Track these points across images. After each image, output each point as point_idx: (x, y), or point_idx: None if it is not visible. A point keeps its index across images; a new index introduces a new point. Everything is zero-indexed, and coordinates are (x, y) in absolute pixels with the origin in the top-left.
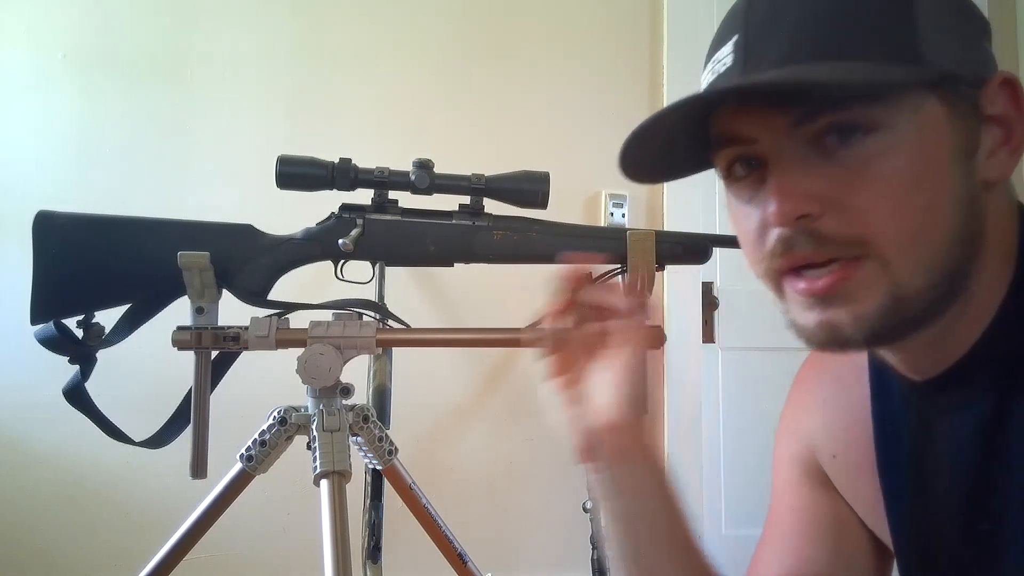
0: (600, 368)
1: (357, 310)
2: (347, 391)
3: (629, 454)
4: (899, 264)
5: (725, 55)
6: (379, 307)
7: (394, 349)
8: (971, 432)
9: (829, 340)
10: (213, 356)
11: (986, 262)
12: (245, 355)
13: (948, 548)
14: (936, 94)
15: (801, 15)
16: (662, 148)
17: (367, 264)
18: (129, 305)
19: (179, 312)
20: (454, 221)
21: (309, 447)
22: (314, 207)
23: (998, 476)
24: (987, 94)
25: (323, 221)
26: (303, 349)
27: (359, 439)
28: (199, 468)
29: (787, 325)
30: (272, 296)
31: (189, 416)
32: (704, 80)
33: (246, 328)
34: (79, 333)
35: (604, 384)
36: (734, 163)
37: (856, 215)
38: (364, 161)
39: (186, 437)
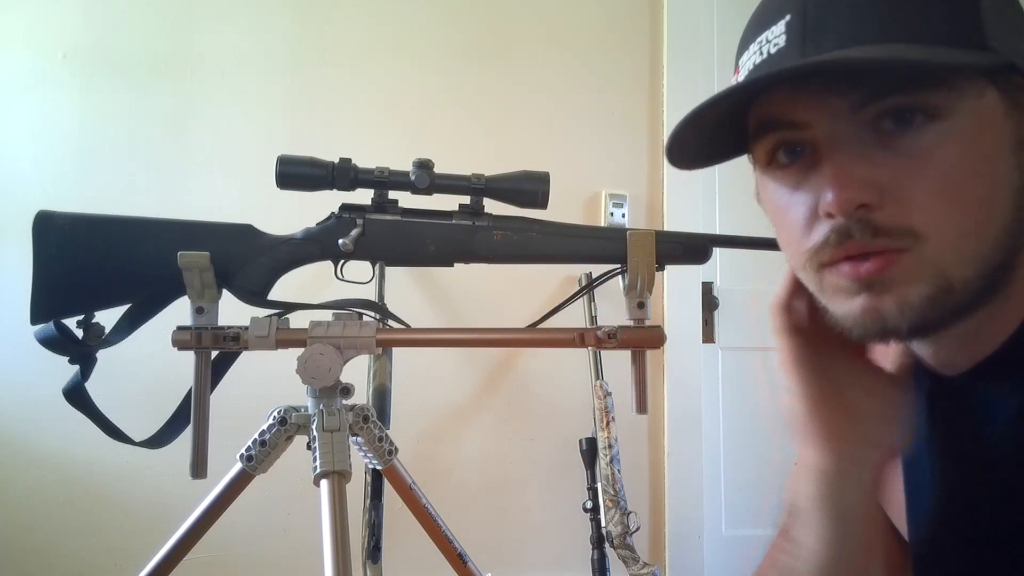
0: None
1: (357, 310)
2: (347, 391)
3: (877, 480)
4: (949, 255)
5: (776, 35)
6: (379, 307)
7: (394, 349)
8: (1000, 428)
9: (873, 329)
10: (213, 356)
11: None
12: (245, 355)
13: (973, 545)
14: (996, 83)
15: (862, 3)
16: (709, 133)
17: (367, 264)
18: (129, 305)
19: (179, 312)
20: (454, 221)
21: (309, 447)
22: (314, 207)
23: (1019, 474)
24: None
25: (323, 221)
26: (303, 349)
27: (359, 439)
28: (199, 468)
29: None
30: (272, 296)
31: (189, 416)
32: (748, 62)
33: (246, 328)
34: (79, 333)
35: (870, 384)
36: (777, 149)
37: (912, 205)
38: (364, 161)
39: (186, 437)
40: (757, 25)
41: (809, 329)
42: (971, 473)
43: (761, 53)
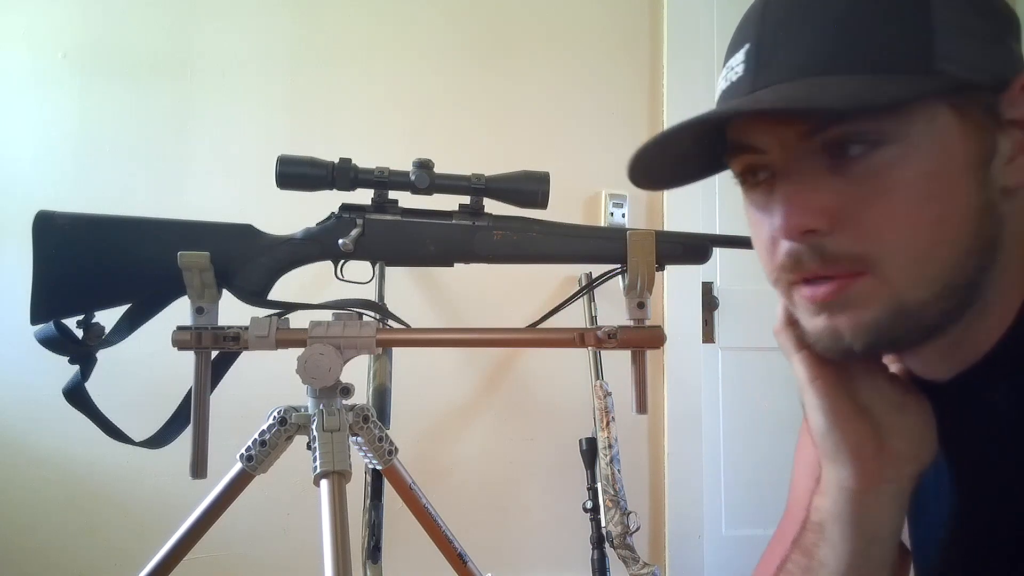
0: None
1: (357, 310)
2: (347, 391)
3: (908, 494)
4: (902, 279)
5: (737, 63)
6: (379, 307)
7: (394, 349)
8: (990, 434)
9: (832, 346)
10: (213, 356)
11: (1005, 268)
12: (245, 355)
13: (969, 552)
14: (949, 103)
15: (813, 26)
16: (673, 160)
17: (367, 264)
18: (129, 305)
19: (179, 312)
20: (454, 221)
21: (309, 447)
22: (314, 207)
23: (1019, 478)
24: (1008, 98)
25: (323, 221)
26: (303, 349)
27: (359, 439)
28: (199, 468)
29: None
30: (272, 296)
31: (189, 416)
32: (718, 87)
33: (246, 328)
34: (79, 333)
35: (898, 403)
36: (746, 171)
37: (864, 232)
38: (364, 161)
39: (186, 437)
40: (729, 49)
41: None
42: (965, 478)
43: (727, 79)
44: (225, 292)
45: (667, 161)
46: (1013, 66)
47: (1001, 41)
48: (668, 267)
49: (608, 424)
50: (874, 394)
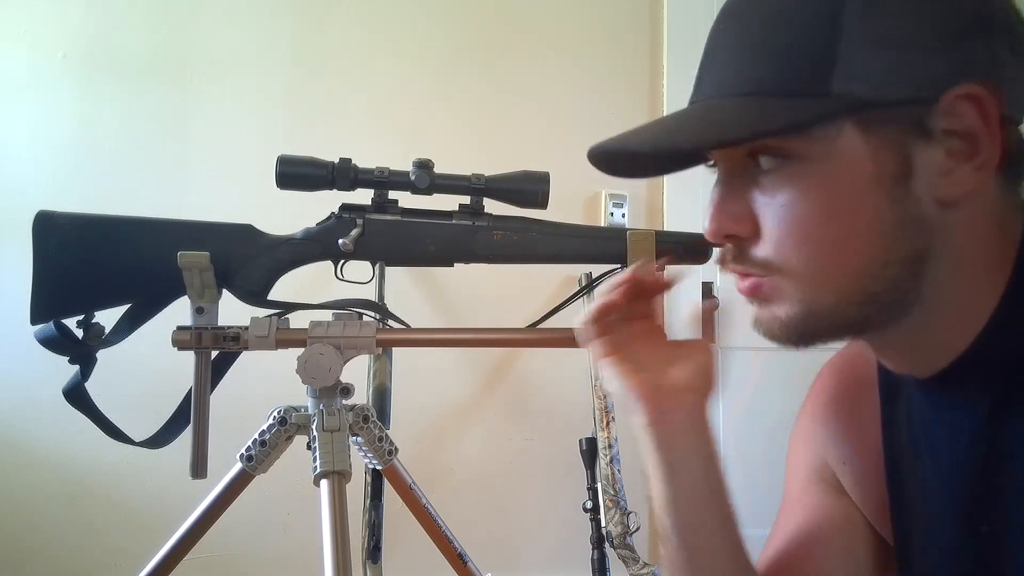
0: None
1: (357, 310)
2: (347, 391)
3: (700, 419)
4: (806, 286)
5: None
6: (379, 307)
7: (394, 349)
8: (969, 432)
9: (765, 334)
10: (213, 356)
11: (957, 275)
12: (245, 355)
13: (949, 549)
14: (855, 120)
15: (728, 49)
16: (628, 162)
17: (367, 264)
18: (129, 305)
19: (179, 312)
20: (454, 221)
21: (309, 447)
22: (314, 207)
23: (997, 477)
24: (942, 108)
25: (323, 221)
26: (303, 349)
27: (359, 439)
28: (199, 468)
29: None
30: (272, 296)
31: (189, 416)
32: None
33: (246, 328)
34: (79, 333)
35: (671, 356)
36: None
37: (771, 242)
38: (364, 161)
39: (186, 437)
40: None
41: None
42: (946, 476)
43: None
44: (225, 292)
45: (622, 163)
46: (963, 69)
47: (947, 48)
48: (668, 267)
49: (608, 424)
50: (650, 355)
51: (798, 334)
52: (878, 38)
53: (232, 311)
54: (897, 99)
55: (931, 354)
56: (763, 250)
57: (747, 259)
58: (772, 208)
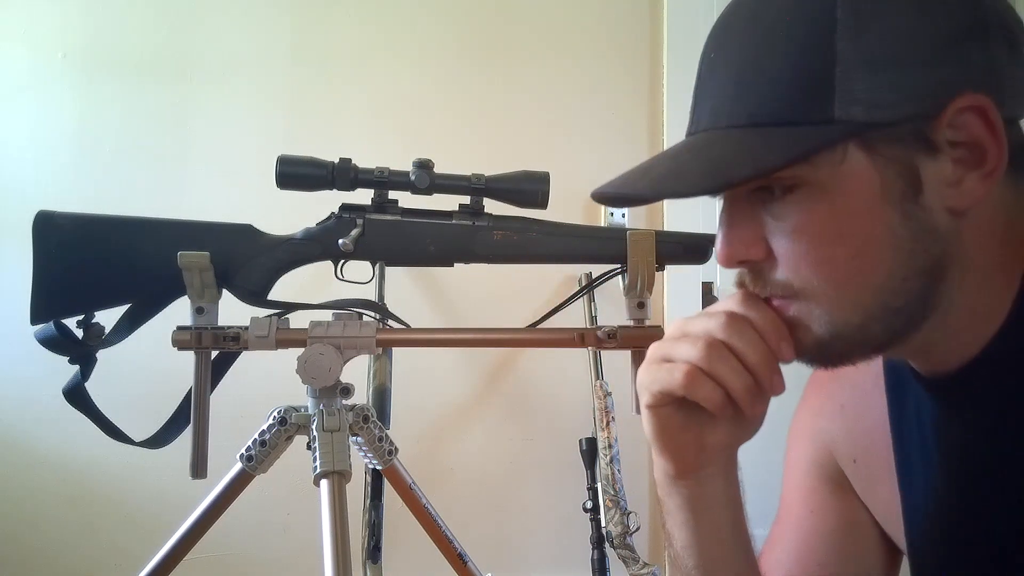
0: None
1: (357, 310)
2: (347, 391)
3: (732, 468)
4: (827, 307)
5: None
6: (379, 307)
7: (394, 349)
8: (981, 434)
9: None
10: (213, 356)
11: (971, 278)
12: (245, 355)
13: (960, 552)
14: (858, 141)
15: (722, 76)
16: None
17: (367, 264)
18: (129, 305)
19: (179, 312)
20: (454, 221)
21: (309, 447)
22: (314, 207)
23: (1010, 479)
24: (945, 120)
25: (323, 221)
26: (303, 349)
27: (359, 439)
28: (199, 468)
29: None
30: (272, 296)
31: (189, 416)
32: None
33: (246, 328)
34: (79, 333)
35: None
36: None
37: (788, 266)
38: (364, 161)
39: (186, 437)
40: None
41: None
42: (956, 474)
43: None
44: (225, 292)
45: (625, 201)
46: (962, 77)
47: (943, 59)
48: (668, 267)
49: (608, 424)
50: (697, 409)
51: (826, 356)
52: (873, 58)
53: (232, 311)
54: (898, 118)
55: (944, 357)
56: (781, 273)
57: (767, 282)
58: (783, 232)
